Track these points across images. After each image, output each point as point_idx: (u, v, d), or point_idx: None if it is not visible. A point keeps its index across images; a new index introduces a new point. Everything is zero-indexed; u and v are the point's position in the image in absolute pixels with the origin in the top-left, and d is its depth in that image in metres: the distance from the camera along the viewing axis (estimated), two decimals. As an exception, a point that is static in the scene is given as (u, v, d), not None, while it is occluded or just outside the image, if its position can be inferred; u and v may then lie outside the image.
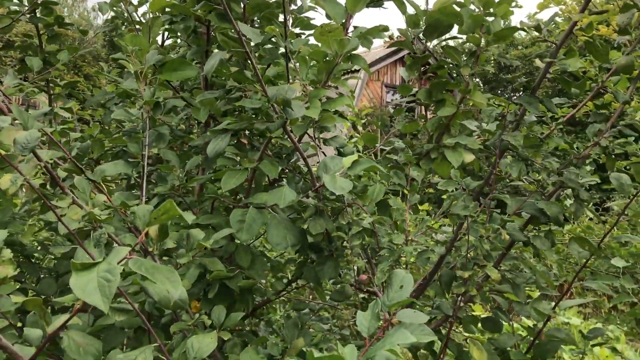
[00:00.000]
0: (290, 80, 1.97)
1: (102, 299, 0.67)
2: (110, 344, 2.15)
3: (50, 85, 3.36)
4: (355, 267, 1.89)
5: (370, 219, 1.65)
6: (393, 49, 17.94)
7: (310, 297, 4.08)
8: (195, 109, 2.22)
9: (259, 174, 2.04)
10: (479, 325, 2.39)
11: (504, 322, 2.39)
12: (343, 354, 0.90)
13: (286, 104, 1.59)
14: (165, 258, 1.61)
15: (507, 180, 1.92)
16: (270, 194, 1.75)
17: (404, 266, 1.59)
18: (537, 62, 1.73)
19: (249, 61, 1.69)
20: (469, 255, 1.66)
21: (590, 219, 5.52)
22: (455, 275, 1.73)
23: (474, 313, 3.36)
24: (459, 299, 1.68)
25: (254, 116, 1.98)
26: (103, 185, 1.55)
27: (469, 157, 2.17)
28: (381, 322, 0.90)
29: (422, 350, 1.74)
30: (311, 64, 2.12)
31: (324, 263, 1.89)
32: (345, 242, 1.74)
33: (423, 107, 2.56)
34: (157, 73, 2.26)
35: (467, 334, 1.95)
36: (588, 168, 4.60)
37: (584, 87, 2.16)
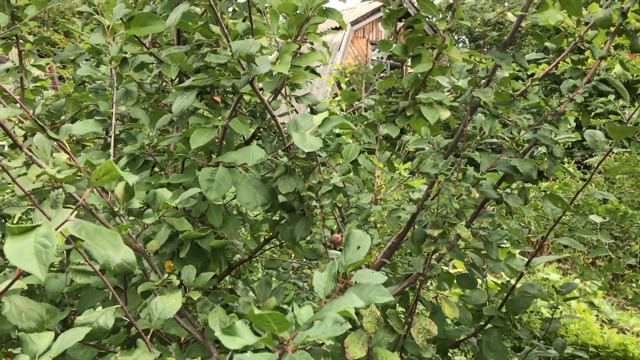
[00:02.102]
0: (260, 35, 1.91)
1: (39, 265, 0.64)
2: (87, 304, 2.14)
3: (20, 41, 3.25)
4: (329, 227, 1.88)
5: (338, 178, 1.63)
6: (378, 5, 17.63)
7: (292, 256, 4.10)
8: (165, 66, 2.15)
9: (230, 132, 2.00)
10: (455, 282, 2.41)
11: (478, 279, 2.41)
12: (299, 314, 0.89)
13: (250, 59, 1.54)
14: (132, 218, 1.58)
15: (479, 137, 1.90)
16: (240, 153, 1.72)
17: (373, 225, 1.58)
18: (509, 15, 1.69)
19: (214, 14, 1.63)
20: (440, 213, 1.65)
21: (573, 177, 5.56)
22: (427, 233, 1.72)
23: (455, 270, 3.37)
24: (429, 257, 1.67)
25: (225, 73, 1.93)
26: (66, 144, 1.51)
27: (445, 114, 2.14)
28: (338, 283, 0.88)
29: (398, 308, 1.75)
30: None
31: (296, 222, 1.87)
32: (316, 201, 1.72)
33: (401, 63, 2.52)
34: (125, 28, 2.19)
35: (439, 292, 1.96)
36: (570, 124, 4.58)
37: (561, 42, 2.13)
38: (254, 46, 1.51)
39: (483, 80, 1.82)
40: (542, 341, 4.89)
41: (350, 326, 0.69)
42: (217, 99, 2.22)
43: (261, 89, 1.89)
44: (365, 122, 2.34)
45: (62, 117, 2.99)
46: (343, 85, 6.84)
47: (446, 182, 1.58)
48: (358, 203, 1.61)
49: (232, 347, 0.61)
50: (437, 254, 1.64)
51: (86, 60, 2.85)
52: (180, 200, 1.54)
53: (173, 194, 1.57)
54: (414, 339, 1.62)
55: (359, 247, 0.87)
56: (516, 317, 2.41)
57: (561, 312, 5.81)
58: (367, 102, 1.95)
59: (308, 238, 2.14)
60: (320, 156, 1.83)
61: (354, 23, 14.96)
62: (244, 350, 0.65)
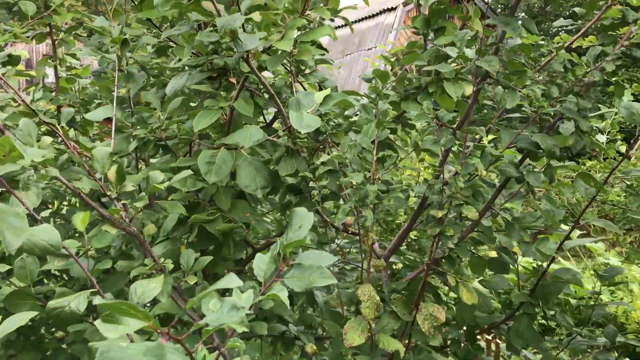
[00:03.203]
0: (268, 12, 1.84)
1: None
2: (111, 288, 2.16)
3: (54, 31, 3.29)
4: (328, 208, 1.81)
5: (326, 157, 1.54)
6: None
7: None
8: (178, 48, 2.12)
9: (237, 113, 1.95)
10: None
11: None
12: (240, 298, 0.83)
13: (233, 34, 1.48)
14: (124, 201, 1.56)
15: (485, 110, 1.76)
16: (238, 134, 1.66)
17: (372, 206, 1.49)
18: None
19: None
20: (451, 193, 1.54)
21: (621, 154, 5.20)
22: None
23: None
24: (436, 239, 1.57)
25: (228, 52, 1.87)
26: (58, 128, 1.50)
27: (469, 89, 2.01)
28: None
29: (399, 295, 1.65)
30: None
31: (300, 205, 1.80)
32: (314, 182, 1.64)
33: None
34: (137, 10, 2.16)
35: (453, 275, 1.84)
36: (625, 99, 4.28)
37: (593, 6, 1.95)
38: (238, 21, 1.44)
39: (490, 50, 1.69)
40: (599, 328, 4.63)
41: (251, 312, 0.62)
42: (233, 80, 2.18)
43: (265, 68, 1.83)
44: (389, 100, 2.24)
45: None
46: (388, 67, 6.69)
47: (460, 159, 1.46)
48: (350, 183, 1.52)
49: (111, 336, 0.56)
50: (441, 236, 1.54)
51: (111, 47, 2.86)
52: (173, 183, 1.50)
53: (175, 177, 1.53)
54: (420, 326, 1.53)
55: (300, 227, 0.80)
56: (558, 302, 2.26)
57: (621, 298, 5.50)
58: (365, 75, 1.85)
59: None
60: (326, 135, 1.75)
61: (405, 4, 14.59)
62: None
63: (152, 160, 2.58)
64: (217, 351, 0.83)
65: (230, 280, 0.63)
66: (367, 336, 1.47)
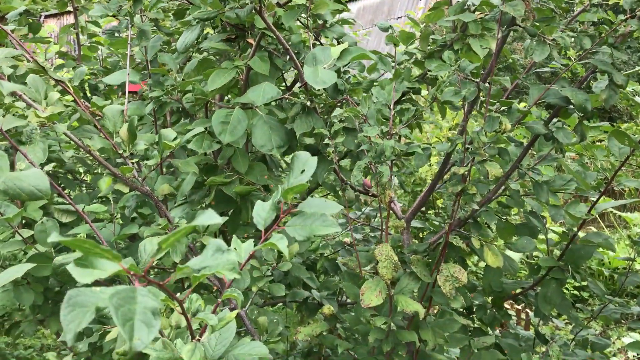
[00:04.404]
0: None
1: None
2: (135, 254, 2.15)
3: (75, -2, 3.26)
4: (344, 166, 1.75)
5: (340, 110, 1.48)
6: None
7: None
8: (194, 8, 2.07)
9: (253, 73, 1.89)
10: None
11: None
12: (238, 248, 0.78)
13: (241, -19, 1.41)
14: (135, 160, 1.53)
15: (508, 61, 1.67)
16: (252, 91, 1.61)
17: (389, 162, 1.42)
18: None
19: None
20: (473, 148, 1.47)
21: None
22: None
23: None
24: (458, 198, 1.50)
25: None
26: (69, 85, 1.47)
27: (495, 45, 1.92)
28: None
29: (418, 255, 1.59)
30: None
31: (318, 166, 1.74)
32: (329, 139, 1.58)
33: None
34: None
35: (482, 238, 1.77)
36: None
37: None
38: (246, -33, 1.37)
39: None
40: (634, 299, 4.49)
41: (234, 257, 0.57)
42: (251, 41, 2.12)
43: (282, 23, 1.76)
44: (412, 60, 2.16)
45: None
46: (417, 32, 6.53)
47: (474, 115, 1.39)
48: (364, 138, 1.46)
49: (84, 281, 0.52)
50: (463, 194, 1.47)
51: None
52: (188, 143, 1.46)
53: (188, 134, 1.49)
54: (441, 287, 1.48)
55: (303, 171, 0.75)
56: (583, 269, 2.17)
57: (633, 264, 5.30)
58: (382, 23, 1.76)
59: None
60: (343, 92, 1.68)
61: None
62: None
63: (173, 128, 2.55)
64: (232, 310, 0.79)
65: (209, 216, 0.58)
66: (384, 297, 1.43)
